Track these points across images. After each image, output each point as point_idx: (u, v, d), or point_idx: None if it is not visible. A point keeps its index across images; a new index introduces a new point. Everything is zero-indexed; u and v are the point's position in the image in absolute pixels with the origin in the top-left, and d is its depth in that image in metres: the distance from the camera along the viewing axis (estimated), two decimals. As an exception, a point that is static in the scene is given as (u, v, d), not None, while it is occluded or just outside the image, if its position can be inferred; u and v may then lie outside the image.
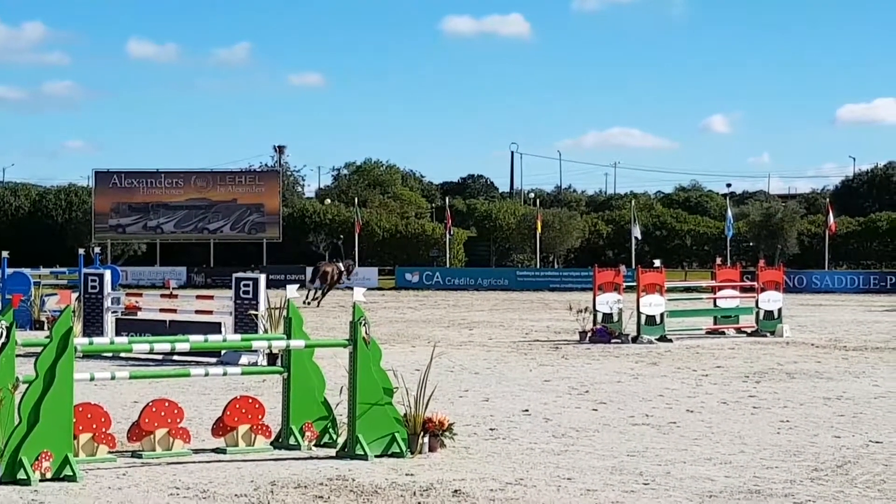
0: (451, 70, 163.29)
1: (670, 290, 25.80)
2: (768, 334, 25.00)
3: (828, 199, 69.60)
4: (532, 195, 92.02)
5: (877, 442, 11.33)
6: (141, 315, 23.92)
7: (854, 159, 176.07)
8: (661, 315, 23.78)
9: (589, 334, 23.39)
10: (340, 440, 10.65)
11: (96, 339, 12.21)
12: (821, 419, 12.92)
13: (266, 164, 79.63)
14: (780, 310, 25.69)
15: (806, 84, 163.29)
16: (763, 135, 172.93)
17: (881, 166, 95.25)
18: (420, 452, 10.40)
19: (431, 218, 79.51)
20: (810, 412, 13.50)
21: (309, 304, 38.31)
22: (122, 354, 16.55)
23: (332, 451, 10.51)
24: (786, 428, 12.26)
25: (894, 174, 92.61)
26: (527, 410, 13.57)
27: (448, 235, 63.40)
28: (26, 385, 9.21)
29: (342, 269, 42.41)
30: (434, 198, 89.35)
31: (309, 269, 57.13)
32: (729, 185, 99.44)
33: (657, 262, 25.53)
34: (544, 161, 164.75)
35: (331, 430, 10.88)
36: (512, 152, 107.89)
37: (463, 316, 33.60)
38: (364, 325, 10.36)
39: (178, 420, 10.36)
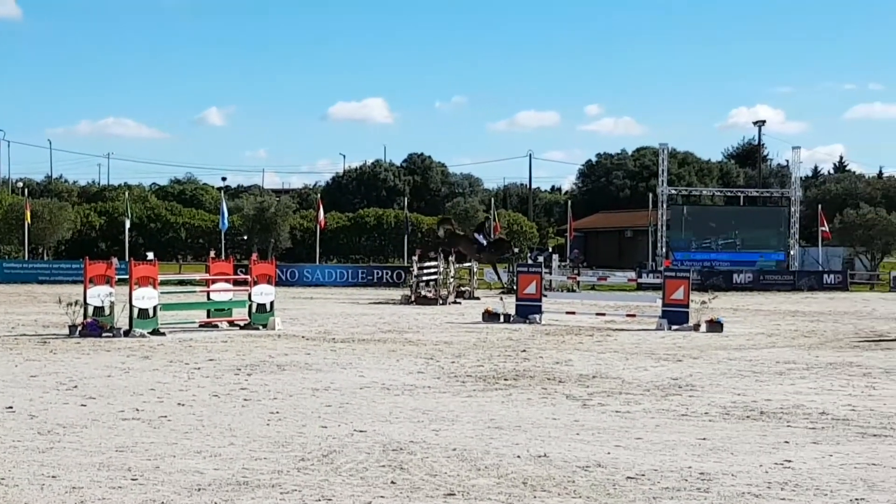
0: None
1: (164, 283, 25.61)
2: (261, 327, 25.39)
3: (319, 195, 71.65)
4: (21, 184, 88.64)
5: (361, 431, 11.75)
6: None
7: (344, 156, 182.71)
8: (155, 308, 23.59)
9: (79, 328, 22.87)
10: None
11: None
12: (309, 410, 13.26)
13: None
14: (272, 303, 26.15)
15: (300, 81, 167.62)
16: (259, 129, 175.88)
17: (369, 164, 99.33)
18: None
19: None
20: (299, 403, 13.83)
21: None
22: None
23: None
24: (275, 419, 12.49)
25: (381, 171, 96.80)
26: (11, 407, 13.05)
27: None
28: None
29: (480, 241, 46.54)
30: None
31: None
32: (224, 179, 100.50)
33: (150, 255, 25.35)
34: (34, 149, 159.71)
35: None
36: None
37: (-57, 309, 31.83)
38: None
39: None
